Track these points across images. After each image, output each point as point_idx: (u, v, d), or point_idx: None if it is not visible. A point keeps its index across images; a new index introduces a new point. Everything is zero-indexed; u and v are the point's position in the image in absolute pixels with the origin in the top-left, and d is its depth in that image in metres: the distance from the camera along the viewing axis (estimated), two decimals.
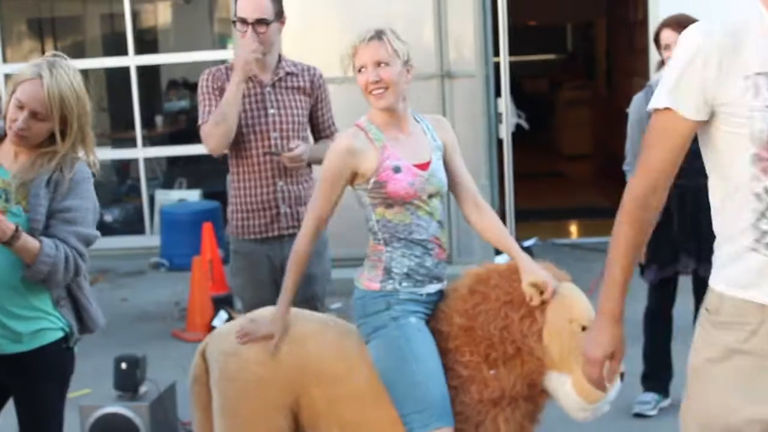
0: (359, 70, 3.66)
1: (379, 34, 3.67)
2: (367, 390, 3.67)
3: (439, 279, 3.76)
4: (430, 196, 3.72)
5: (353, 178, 3.69)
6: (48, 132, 3.66)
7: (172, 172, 11.48)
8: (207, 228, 8.36)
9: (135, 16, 10.30)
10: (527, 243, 8.84)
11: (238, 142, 4.68)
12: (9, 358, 3.61)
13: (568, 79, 17.97)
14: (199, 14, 14.11)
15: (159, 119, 12.64)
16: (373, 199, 3.67)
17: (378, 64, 3.64)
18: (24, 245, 3.50)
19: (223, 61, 13.79)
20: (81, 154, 3.74)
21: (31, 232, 3.55)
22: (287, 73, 4.76)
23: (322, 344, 3.75)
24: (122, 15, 10.62)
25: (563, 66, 20.26)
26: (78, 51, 14.03)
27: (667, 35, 5.15)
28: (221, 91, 4.65)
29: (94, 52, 13.96)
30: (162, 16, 14.05)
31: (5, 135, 3.73)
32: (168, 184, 11.11)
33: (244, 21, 4.60)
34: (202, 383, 3.89)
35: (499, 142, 9.32)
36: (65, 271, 3.60)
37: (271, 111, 4.69)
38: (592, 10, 17.05)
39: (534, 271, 3.59)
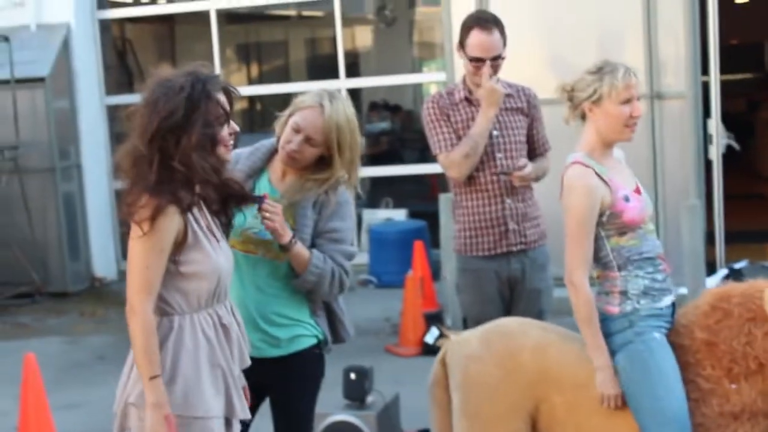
0: (626, 101, 3.77)
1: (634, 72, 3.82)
2: None
3: (670, 291, 3.86)
4: (650, 218, 3.87)
5: None
6: (315, 157, 3.90)
7: (376, 191, 11.74)
8: (418, 246, 8.54)
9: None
10: (738, 265, 8.74)
11: None
12: (268, 361, 3.86)
13: (766, 98, 17.50)
14: (398, 38, 14.42)
15: (362, 140, 12.93)
16: (607, 231, 3.78)
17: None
18: (299, 252, 3.78)
19: (420, 84, 14.13)
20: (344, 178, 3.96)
21: None
22: (507, 95, 4.90)
23: (563, 351, 3.86)
24: (332, 39, 10.95)
25: (760, 85, 19.73)
26: (282, 74, 14.54)
27: None
28: (447, 117, 4.87)
29: (298, 75, 14.43)
30: (363, 39, 14.41)
31: (274, 153, 4.01)
32: (372, 204, 11.36)
33: (480, 60, 4.79)
34: (442, 387, 4.06)
35: (706, 163, 9.25)
36: (330, 285, 3.86)
37: (495, 133, 4.85)
38: None
39: None
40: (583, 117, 3.87)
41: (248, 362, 3.57)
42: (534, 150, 5.03)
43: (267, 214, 3.68)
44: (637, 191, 3.86)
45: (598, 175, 3.76)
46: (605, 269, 3.81)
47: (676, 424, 3.62)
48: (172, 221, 3.23)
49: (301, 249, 3.80)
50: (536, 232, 4.94)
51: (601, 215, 3.75)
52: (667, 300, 3.83)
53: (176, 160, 3.23)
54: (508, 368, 3.85)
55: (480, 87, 4.83)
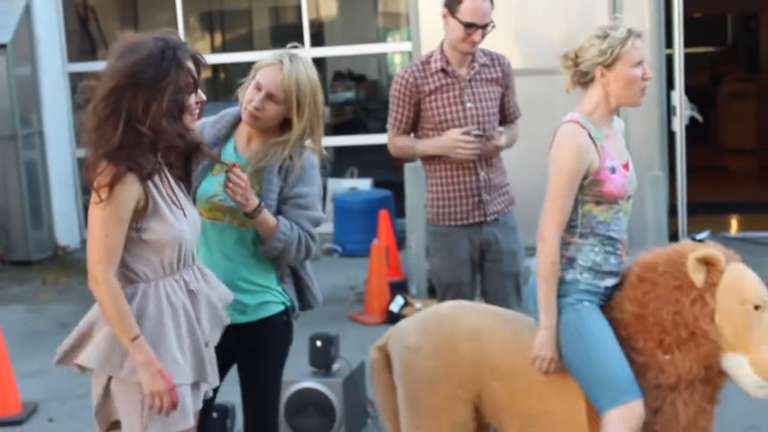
0: (638, 63, 3.73)
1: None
2: (546, 382, 3.75)
3: (617, 275, 3.82)
4: (629, 197, 3.83)
5: None
6: (280, 116, 3.89)
7: (341, 161, 11.73)
8: (383, 215, 8.58)
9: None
10: (700, 236, 8.84)
11: (434, 135, 4.90)
12: (236, 327, 3.83)
13: (729, 72, 17.63)
14: (363, 7, 14.36)
15: (326, 110, 12.93)
16: (584, 196, 3.73)
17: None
18: (265, 219, 3.77)
19: (384, 54, 14.10)
20: (308, 143, 3.95)
21: None
22: (482, 65, 4.92)
23: (498, 339, 3.85)
24: (296, 7, 10.90)
25: (723, 58, 19.86)
26: (246, 43, 14.45)
27: None
28: (415, 95, 4.89)
29: (262, 44, 14.35)
30: (328, 8, 14.34)
31: (239, 121, 3.99)
32: (337, 173, 11.35)
33: (473, 25, 4.78)
34: (380, 372, 4.11)
35: (670, 135, 9.32)
36: (297, 251, 3.86)
37: (468, 105, 4.87)
38: (756, 1, 16.72)
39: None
40: (587, 83, 3.81)
41: (226, 321, 3.59)
42: (505, 117, 5.05)
43: (230, 185, 3.66)
44: (626, 167, 3.80)
45: (592, 139, 3.71)
46: (566, 232, 3.76)
47: (622, 383, 3.59)
48: (131, 189, 3.20)
49: (267, 216, 3.78)
50: (506, 199, 5.00)
51: (584, 178, 3.70)
52: (609, 281, 3.78)
53: (145, 124, 3.21)
54: (444, 358, 3.84)
55: (466, 54, 4.86)
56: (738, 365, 3.59)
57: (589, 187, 3.72)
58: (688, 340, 3.60)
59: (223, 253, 3.89)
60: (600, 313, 3.73)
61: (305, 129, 3.88)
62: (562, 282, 3.74)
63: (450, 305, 4.12)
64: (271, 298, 3.97)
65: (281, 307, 3.99)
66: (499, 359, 3.81)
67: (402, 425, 3.97)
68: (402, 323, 4.10)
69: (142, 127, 3.21)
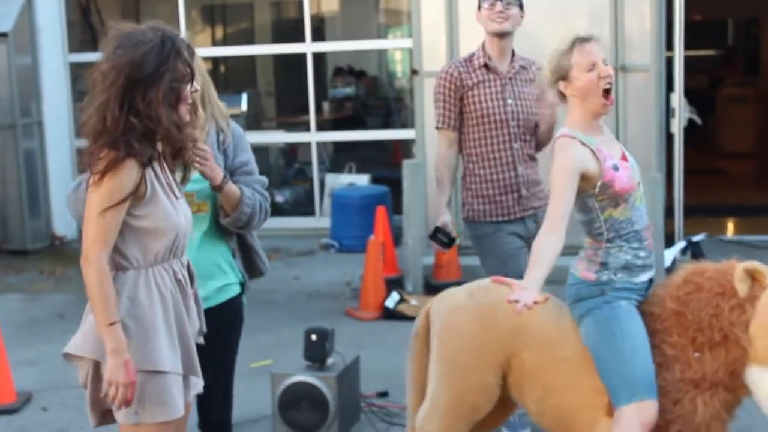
0: (591, 68, 3.81)
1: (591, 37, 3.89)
2: (575, 358, 3.87)
3: (651, 267, 3.93)
4: (639, 183, 3.93)
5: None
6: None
7: (339, 156, 11.76)
8: (380, 211, 8.59)
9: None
10: (696, 238, 8.86)
11: (477, 131, 5.02)
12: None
13: (728, 76, 17.65)
14: (365, 3, 14.38)
15: (326, 105, 12.97)
16: (601, 202, 3.84)
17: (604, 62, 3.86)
18: (231, 189, 3.91)
19: (385, 50, 14.11)
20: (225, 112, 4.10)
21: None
22: (521, 67, 5.09)
23: (539, 311, 3.93)
24: (298, 2, 10.89)
25: (722, 62, 19.89)
26: (247, 37, 14.47)
27: None
28: (460, 89, 5.03)
29: (263, 38, 14.37)
30: (330, 4, 14.36)
31: None
32: (335, 169, 11.38)
33: None
34: (423, 340, 4.16)
35: (668, 137, 9.34)
36: (260, 216, 4.02)
37: (509, 101, 5.01)
38: (757, 6, 16.73)
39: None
40: (564, 98, 3.93)
41: (200, 327, 3.60)
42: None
43: (198, 158, 3.73)
44: (624, 158, 3.90)
45: (585, 145, 3.81)
46: (595, 239, 3.89)
47: (643, 382, 3.70)
48: (129, 174, 3.22)
49: (232, 186, 3.91)
50: (543, 195, 5.07)
51: (593, 187, 3.80)
52: (645, 276, 3.90)
53: (142, 113, 3.23)
54: (485, 322, 3.94)
55: (500, 36, 5.00)
56: (762, 380, 3.68)
57: (602, 192, 3.81)
58: (720, 344, 3.71)
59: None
60: (636, 314, 3.83)
61: (205, 98, 4.00)
62: (598, 282, 3.85)
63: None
64: (228, 280, 4.09)
65: (238, 289, 4.13)
66: (534, 330, 3.91)
67: (430, 382, 4.05)
68: (450, 289, 4.21)
69: (139, 115, 3.23)
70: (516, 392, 4.01)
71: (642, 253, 3.88)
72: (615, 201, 3.83)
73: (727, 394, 3.76)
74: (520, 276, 4.79)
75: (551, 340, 3.90)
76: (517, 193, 5.03)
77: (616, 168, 3.82)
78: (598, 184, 3.80)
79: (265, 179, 4.11)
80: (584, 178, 3.80)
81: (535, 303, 3.86)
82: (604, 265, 3.86)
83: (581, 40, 3.84)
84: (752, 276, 3.68)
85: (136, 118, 3.23)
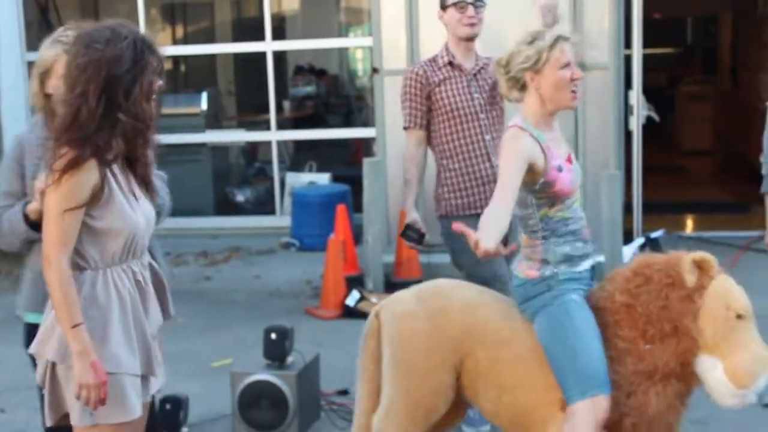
0: (565, 66, 3.81)
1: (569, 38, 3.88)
2: (528, 356, 3.88)
3: (589, 255, 3.94)
4: (578, 188, 3.95)
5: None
6: None
7: (300, 155, 11.75)
8: (341, 210, 8.58)
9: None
10: (655, 234, 8.92)
11: (448, 126, 5.05)
12: None
13: (686, 73, 17.80)
14: (325, 2, 14.39)
15: (286, 104, 12.96)
16: (539, 200, 3.84)
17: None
18: None
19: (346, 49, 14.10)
20: None
21: None
22: (485, 63, 5.12)
23: (491, 311, 3.97)
24: (258, 1, 10.87)
25: (681, 60, 20.07)
26: (208, 36, 14.42)
27: None
28: (426, 87, 5.06)
29: (224, 37, 14.33)
30: (290, 2, 14.34)
31: None
32: (295, 167, 11.36)
33: (461, 1, 4.97)
34: (376, 338, 4.14)
35: (627, 134, 9.41)
36: (169, 210, 4.08)
37: (476, 95, 5.06)
38: (716, 4, 16.89)
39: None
40: (521, 89, 3.90)
41: (160, 321, 3.57)
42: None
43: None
44: (569, 160, 3.91)
45: (536, 140, 3.80)
46: (531, 237, 3.89)
47: (596, 378, 3.72)
48: (89, 175, 3.20)
49: None
50: None
51: (534, 183, 3.80)
52: (586, 264, 3.92)
53: (123, 109, 3.21)
54: (438, 324, 3.95)
55: (469, 40, 5.06)
56: (712, 367, 3.71)
57: (541, 190, 3.82)
58: (670, 335, 3.73)
59: None
60: (587, 309, 3.84)
61: None
62: (542, 278, 3.86)
63: (447, 281, 4.22)
64: None
65: None
66: (487, 330, 3.92)
67: (385, 386, 4.04)
68: (399, 292, 4.20)
69: (125, 110, 3.21)
70: (470, 392, 4.01)
71: (578, 244, 3.89)
72: (552, 201, 3.83)
73: (680, 385, 3.79)
74: (494, 275, 4.84)
75: (504, 339, 3.92)
76: (493, 185, 4.94)
77: (560, 169, 3.81)
78: (540, 181, 3.79)
79: (162, 174, 4.07)
80: (530, 171, 3.77)
81: (496, 253, 3.66)
82: (544, 261, 3.86)
83: (563, 39, 3.83)
84: (700, 266, 3.69)
85: (113, 114, 3.20)
